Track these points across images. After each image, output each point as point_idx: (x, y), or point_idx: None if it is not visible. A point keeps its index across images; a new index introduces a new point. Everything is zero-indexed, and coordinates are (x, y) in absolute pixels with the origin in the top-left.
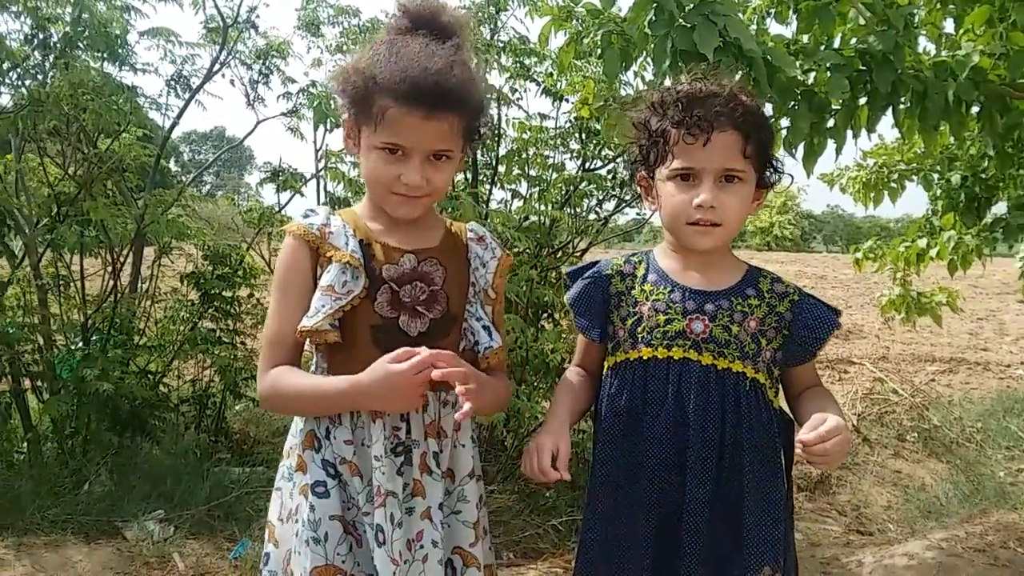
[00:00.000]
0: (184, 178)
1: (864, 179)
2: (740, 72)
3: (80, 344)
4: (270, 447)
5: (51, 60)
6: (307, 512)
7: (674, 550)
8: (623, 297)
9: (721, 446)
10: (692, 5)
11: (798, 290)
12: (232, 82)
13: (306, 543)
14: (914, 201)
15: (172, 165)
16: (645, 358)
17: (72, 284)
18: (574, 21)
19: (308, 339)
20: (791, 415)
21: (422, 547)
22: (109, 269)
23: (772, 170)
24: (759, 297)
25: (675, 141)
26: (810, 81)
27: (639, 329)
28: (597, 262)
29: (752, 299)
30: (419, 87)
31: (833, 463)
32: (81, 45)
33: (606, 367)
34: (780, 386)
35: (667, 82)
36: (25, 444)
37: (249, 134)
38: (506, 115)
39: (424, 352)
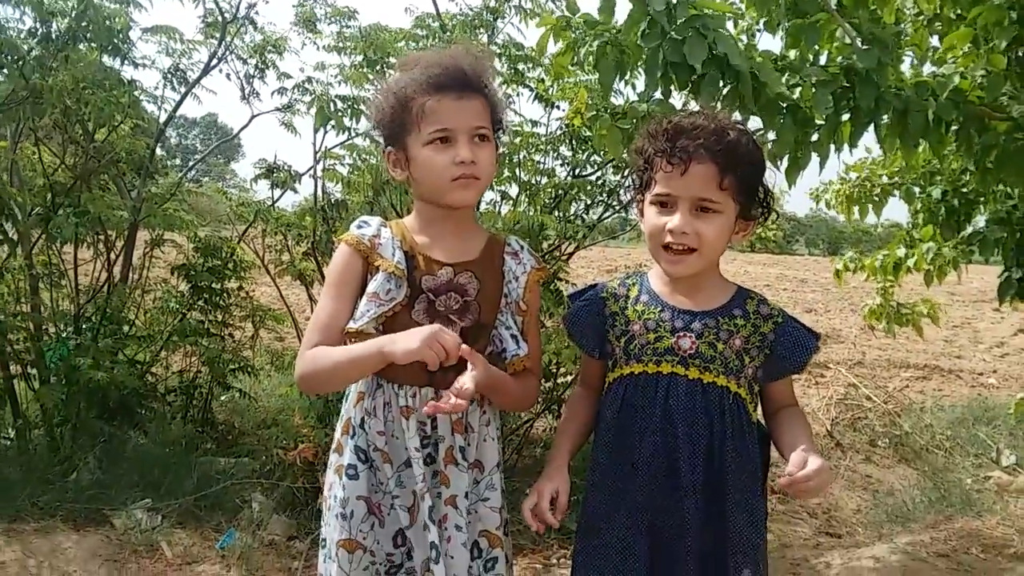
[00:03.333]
0: (170, 162)
1: (847, 192)
2: (727, 86)
3: (72, 333)
4: (255, 438)
5: (53, 53)
6: (339, 490)
7: (668, 550)
8: (616, 317)
9: (709, 452)
10: (683, 19)
11: (782, 313)
12: (228, 76)
13: (336, 517)
14: (897, 209)
15: (159, 150)
16: (636, 372)
17: (64, 274)
18: (572, 33)
19: (353, 339)
20: (768, 425)
21: (446, 530)
22: (102, 259)
23: (759, 205)
24: (745, 317)
25: (657, 168)
26: (795, 96)
27: (631, 346)
28: (595, 285)
29: (738, 319)
30: (447, 73)
31: (813, 497)
32: (84, 39)
33: (607, 382)
34: (759, 401)
35: (657, 94)
36: (14, 432)
37: (244, 128)
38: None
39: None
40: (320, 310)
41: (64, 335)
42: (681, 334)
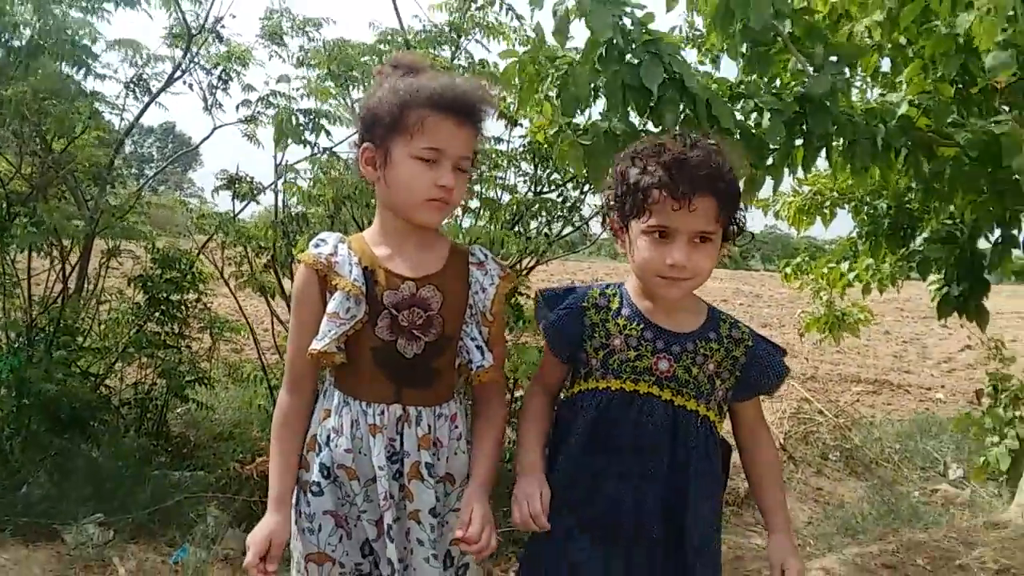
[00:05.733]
0: (126, 171)
1: (799, 205)
2: (684, 110)
3: (24, 344)
4: (210, 451)
5: (14, 64)
6: (304, 506)
7: (625, 561)
8: (596, 328)
9: (672, 474)
10: (639, 42)
11: (752, 335)
12: (191, 87)
13: (303, 532)
14: (846, 224)
15: (116, 159)
16: (613, 388)
17: (18, 283)
18: (535, 67)
19: (318, 359)
20: (736, 441)
21: (410, 543)
22: (57, 269)
23: (735, 227)
24: (719, 341)
25: (655, 200)
26: (751, 121)
27: (610, 360)
28: (574, 289)
29: (713, 343)
30: (459, 99)
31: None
32: (46, 51)
33: (576, 390)
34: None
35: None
36: None
37: (206, 139)
38: None
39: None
40: (289, 340)
41: (16, 346)
42: (660, 355)
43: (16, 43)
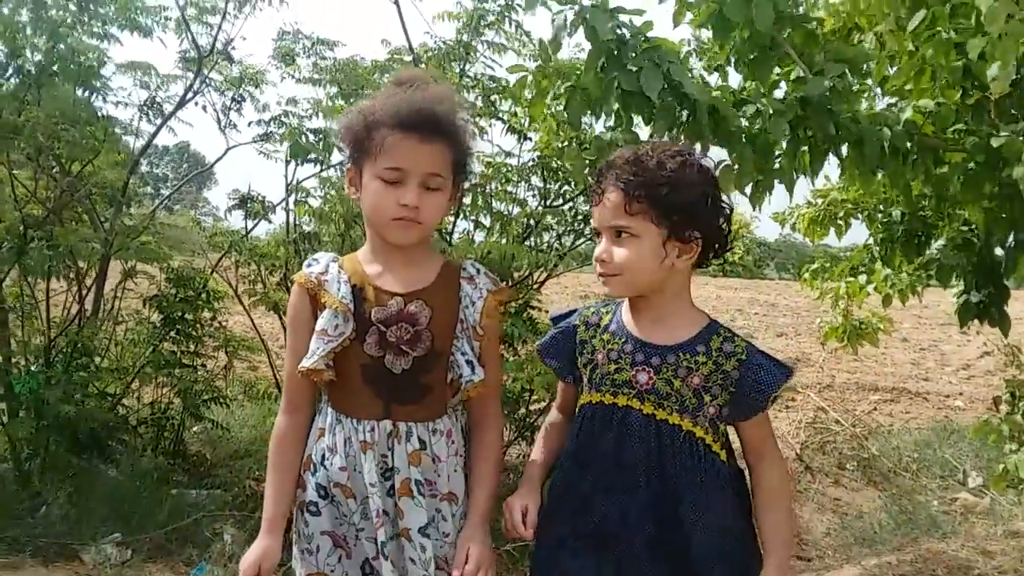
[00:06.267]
0: (141, 191)
1: (812, 216)
2: (688, 117)
3: (42, 366)
4: (227, 469)
5: (27, 87)
6: (303, 526)
7: (616, 568)
8: (585, 345)
9: (661, 491)
10: (637, 51)
11: (748, 349)
12: (204, 108)
13: (302, 552)
14: (861, 234)
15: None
16: (594, 402)
17: (36, 306)
18: (544, 80)
19: (307, 376)
20: (745, 462)
21: (405, 561)
22: (74, 291)
23: (693, 226)
24: (707, 354)
25: (592, 204)
26: (756, 126)
27: (594, 375)
28: (576, 310)
29: (700, 356)
30: (418, 115)
31: None
32: (57, 75)
33: (577, 407)
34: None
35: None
36: None
37: (219, 159)
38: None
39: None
40: (286, 360)
41: (35, 368)
42: (640, 367)
43: (29, 68)
